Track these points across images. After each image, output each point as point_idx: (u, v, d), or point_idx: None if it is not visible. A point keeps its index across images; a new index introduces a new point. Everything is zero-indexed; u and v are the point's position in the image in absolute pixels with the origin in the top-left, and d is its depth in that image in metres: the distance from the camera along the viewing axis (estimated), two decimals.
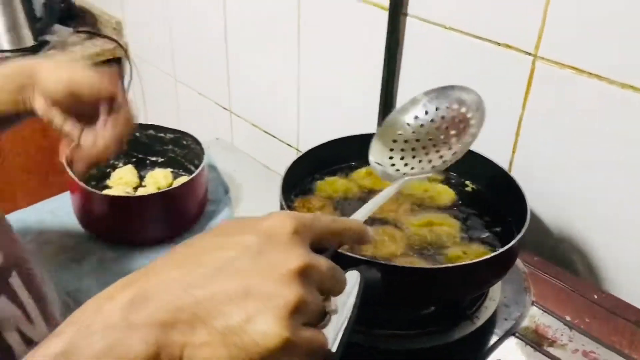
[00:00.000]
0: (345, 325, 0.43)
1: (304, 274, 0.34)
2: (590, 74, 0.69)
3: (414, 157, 0.64)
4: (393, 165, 0.64)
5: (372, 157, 0.65)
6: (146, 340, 0.31)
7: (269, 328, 0.32)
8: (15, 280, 0.49)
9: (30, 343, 0.50)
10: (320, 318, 0.36)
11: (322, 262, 0.36)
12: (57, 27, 1.54)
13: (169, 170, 1.05)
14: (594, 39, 0.68)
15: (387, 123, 0.65)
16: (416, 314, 0.66)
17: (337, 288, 0.38)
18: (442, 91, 0.64)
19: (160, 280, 0.34)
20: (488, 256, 0.59)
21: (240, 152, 1.22)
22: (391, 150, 0.64)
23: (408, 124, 0.64)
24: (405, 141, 0.64)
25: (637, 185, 0.70)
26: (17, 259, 0.52)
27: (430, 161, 0.64)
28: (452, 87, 0.64)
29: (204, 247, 0.36)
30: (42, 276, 0.59)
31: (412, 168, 0.64)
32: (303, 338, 0.33)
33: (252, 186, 1.09)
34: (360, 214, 0.49)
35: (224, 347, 0.31)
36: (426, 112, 0.63)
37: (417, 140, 0.63)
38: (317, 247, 0.39)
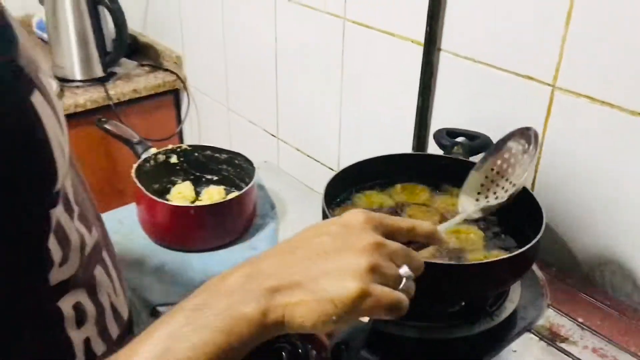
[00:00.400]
0: None
1: (375, 249, 0.44)
2: (603, 102, 0.78)
3: (497, 190, 0.74)
4: (478, 200, 0.75)
5: (461, 208, 0.75)
6: (258, 301, 0.42)
7: (348, 283, 0.42)
8: (105, 256, 0.60)
9: (115, 309, 0.60)
10: (397, 282, 0.46)
11: (392, 243, 0.46)
12: (124, 60, 1.71)
13: (222, 187, 1.17)
14: (605, 71, 0.77)
15: (475, 175, 0.76)
16: (444, 310, 0.74)
17: (414, 264, 0.48)
18: (510, 136, 0.75)
19: (268, 261, 0.45)
20: (504, 256, 0.67)
21: (285, 174, 1.33)
22: (478, 193, 0.75)
23: (492, 169, 0.75)
24: (492, 181, 0.75)
25: None
26: (106, 241, 0.63)
27: (513, 184, 0.72)
28: (516, 131, 0.74)
29: (298, 239, 0.47)
30: None
31: (497, 197, 0.73)
32: (378, 291, 0.43)
33: (296, 204, 1.19)
34: (443, 226, 0.60)
35: (316, 301, 0.42)
36: (506, 157, 0.74)
37: (502, 177, 0.74)
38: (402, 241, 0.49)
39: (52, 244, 0.48)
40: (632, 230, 0.79)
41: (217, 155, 1.17)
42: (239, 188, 1.16)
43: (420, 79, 0.98)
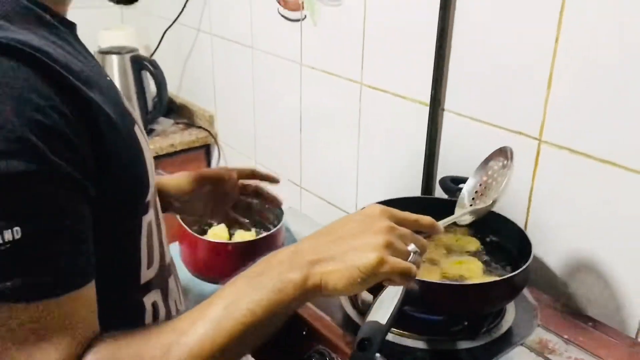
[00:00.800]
0: (394, 306, 0.66)
1: (389, 231, 0.58)
2: (580, 153, 0.93)
3: (485, 198, 0.88)
4: (471, 206, 0.89)
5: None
6: (301, 270, 0.56)
7: (369, 254, 0.56)
8: (174, 270, 0.75)
9: (179, 314, 0.74)
10: (407, 256, 0.59)
11: (402, 228, 0.60)
12: (162, 118, 1.90)
13: (253, 230, 1.32)
14: (580, 127, 0.92)
15: (465, 190, 0.90)
16: (449, 326, 0.87)
17: (419, 243, 0.61)
18: (491, 156, 0.90)
19: (309, 242, 0.60)
20: (497, 279, 0.80)
21: (308, 218, 1.48)
22: (470, 205, 0.88)
23: (480, 184, 0.90)
24: (481, 193, 0.89)
25: (620, 240, 0.90)
26: (172, 261, 0.78)
27: (496, 191, 0.86)
28: (495, 151, 0.90)
29: (331, 227, 0.62)
30: None
31: (485, 203, 0.87)
32: (391, 260, 0.57)
33: None
34: (441, 222, 0.73)
35: (345, 269, 0.56)
36: (489, 173, 0.89)
37: (488, 188, 0.88)
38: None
39: (143, 246, 0.63)
40: (607, 261, 0.93)
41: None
42: (267, 230, 1.31)
43: (427, 134, 1.14)
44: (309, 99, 1.46)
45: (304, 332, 0.87)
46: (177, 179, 0.94)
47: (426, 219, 0.66)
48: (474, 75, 1.06)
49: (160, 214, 0.72)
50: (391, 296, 0.69)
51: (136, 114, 0.66)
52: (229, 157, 1.86)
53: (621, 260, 0.91)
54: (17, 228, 0.47)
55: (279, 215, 1.26)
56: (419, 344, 0.84)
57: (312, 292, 0.57)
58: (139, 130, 0.63)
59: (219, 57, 1.78)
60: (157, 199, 0.71)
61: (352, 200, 1.39)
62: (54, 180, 0.49)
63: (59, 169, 0.49)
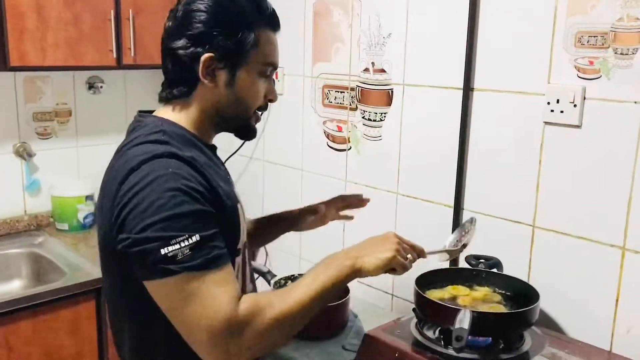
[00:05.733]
0: (469, 324, 1.11)
1: (398, 244, 1.08)
2: (564, 233, 1.43)
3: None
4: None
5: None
6: (350, 260, 1.04)
7: (388, 252, 1.05)
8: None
9: None
10: (406, 259, 1.09)
11: (406, 245, 1.10)
12: None
13: None
14: (563, 213, 1.44)
15: (447, 242, 1.40)
16: (491, 345, 1.31)
17: (416, 251, 1.12)
18: (465, 221, 1.41)
19: (353, 248, 1.08)
20: (518, 310, 1.27)
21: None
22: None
23: (457, 241, 1.40)
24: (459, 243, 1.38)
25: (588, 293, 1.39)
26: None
27: (466, 242, 1.36)
28: (468, 219, 1.40)
29: (365, 241, 1.10)
30: None
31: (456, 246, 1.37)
32: (399, 258, 1.06)
33: (368, 318, 1.76)
34: (429, 250, 1.20)
35: (375, 259, 1.04)
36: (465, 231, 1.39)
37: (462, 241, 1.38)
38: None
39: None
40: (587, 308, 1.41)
41: None
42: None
43: (452, 230, 1.64)
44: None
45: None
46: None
47: (418, 247, 1.15)
48: (489, 182, 1.58)
49: (248, 258, 1.17)
50: (466, 320, 1.15)
51: (240, 198, 1.14)
52: (273, 257, 2.29)
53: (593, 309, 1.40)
54: (197, 234, 0.92)
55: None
56: (471, 355, 1.27)
57: (356, 272, 1.04)
58: (240, 207, 1.12)
59: (269, 177, 2.27)
60: (247, 249, 1.16)
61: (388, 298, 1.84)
62: (206, 213, 0.96)
63: (207, 208, 0.96)
